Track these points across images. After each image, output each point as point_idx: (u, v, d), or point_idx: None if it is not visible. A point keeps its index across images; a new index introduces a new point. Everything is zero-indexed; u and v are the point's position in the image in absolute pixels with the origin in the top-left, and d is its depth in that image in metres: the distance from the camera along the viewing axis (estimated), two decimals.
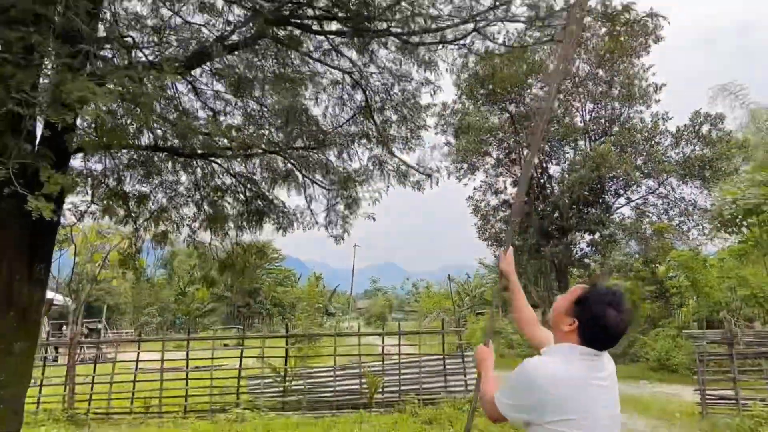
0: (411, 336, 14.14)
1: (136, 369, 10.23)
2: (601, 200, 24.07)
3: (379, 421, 8.15)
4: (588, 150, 22.68)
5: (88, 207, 5.39)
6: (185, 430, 7.97)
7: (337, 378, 9.95)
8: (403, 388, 9.88)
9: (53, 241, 4.35)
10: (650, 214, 24.38)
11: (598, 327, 1.91)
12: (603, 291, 1.97)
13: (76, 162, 6.81)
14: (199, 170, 6.16)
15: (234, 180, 6.17)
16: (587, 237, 24.76)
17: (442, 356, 10.29)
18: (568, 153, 24.42)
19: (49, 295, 24.50)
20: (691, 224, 23.57)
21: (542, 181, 25.56)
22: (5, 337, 3.58)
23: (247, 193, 6.11)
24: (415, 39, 5.16)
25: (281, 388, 10.14)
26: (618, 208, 24.86)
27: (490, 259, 34.95)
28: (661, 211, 24.22)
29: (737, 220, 16.41)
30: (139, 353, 10.42)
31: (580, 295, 1.99)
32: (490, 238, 26.10)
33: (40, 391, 9.67)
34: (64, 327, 26.89)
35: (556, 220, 24.50)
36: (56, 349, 16.42)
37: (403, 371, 10.08)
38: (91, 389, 9.93)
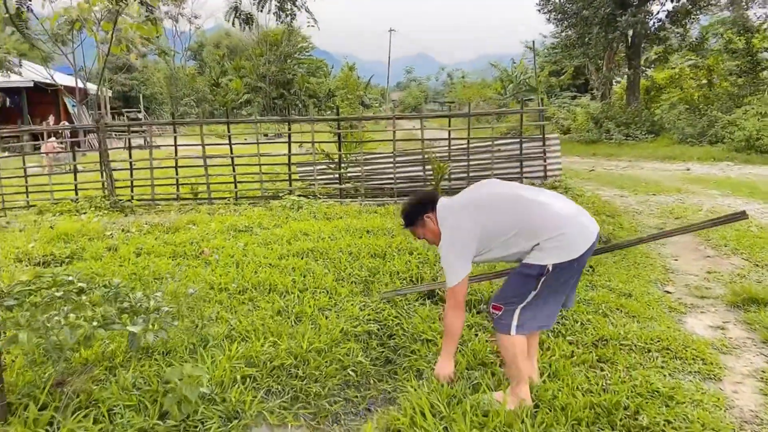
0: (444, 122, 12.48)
1: (176, 155, 9.29)
2: None
3: None
4: None
5: None
6: (240, 217, 7.21)
7: (398, 165, 8.79)
8: (472, 174, 8.71)
9: None
10: None
11: (417, 208, 2.74)
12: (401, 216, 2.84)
13: None
14: None
15: None
16: (669, 5, 20.72)
17: (519, 139, 8.83)
18: None
19: (80, 84, 23.38)
20: None
21: None
22: None
23: None
24: None
25: (336, 176, 9.16)
26: None
27: (544, 40, 30.85)
28: None
29: None
30: (176, 138, 9.37)
31: (407, 227, 2.83)
32: (554, 10, 22.26)
33: (75, 178, 9.02)
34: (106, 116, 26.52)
35: None
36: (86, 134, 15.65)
37: (472, 157, 8.80)
38: (131, 176, 9.19)
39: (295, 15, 6.47)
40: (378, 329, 3.59)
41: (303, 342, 3.26)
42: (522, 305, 2.45)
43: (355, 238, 5.75)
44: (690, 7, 19.64)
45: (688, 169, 12.59)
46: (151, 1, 4.44)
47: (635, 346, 3.33)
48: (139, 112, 30.02)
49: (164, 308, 2.96)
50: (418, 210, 2.72)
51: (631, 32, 20.33)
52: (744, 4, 19.16)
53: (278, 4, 6.11)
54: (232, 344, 3.25)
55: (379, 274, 4.56)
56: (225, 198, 8.99)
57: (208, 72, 48.80)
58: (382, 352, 3.36)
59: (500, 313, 2.50)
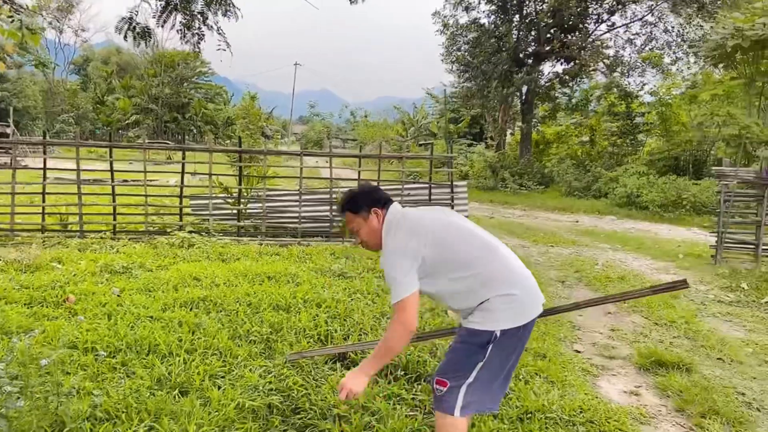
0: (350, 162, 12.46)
1: (44, 179, 8.00)
2: (582, 25, 21.77)
3: (359, 251, 6.82)
4: None
5: None
6: (117, 256, 6.24)
7: (303, 203, 8.30)
8: None
9: None
10: (635, 44, 22.55)
11: (369, 198, 2.33)
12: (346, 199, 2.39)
13: None
14: None
15: None
16: (559, 67, 22.91)
17: (428, 184, 8.81)
18: None
19: None
20: (671, 58, 22.17)
21: None
22: None
23: None
24: None
25: (234, 212, 8.43)
26: (600, 35, 22.72)
27: (445, 89, 32.51)
28: (644, 42, 22.31)
29: (737, 54, 14.89)
30: (45, 160, 8.10)
31: (346, 211, 2.36)
32: (457, 62, 23.49)
33: None
34: None
35: (531, 43, 22.20)
36: None
37: None
38: None
39: (203, 36, 5.85)
40: (281, 402, 3.06)
41: (188, 425, 2.64)
42: (469, 381, 2.17)
43: (254, 286, 5.15)
44: (578, 70, 21.77)
45: (577, 221, 13.49)
46: (31, 9, 3.70)
47: (560, 419, 3.14)
48: (8, 126, 26.57)
49: (6, 387, 2.26)
50: (370, 199, 2.31)
51: (525, 89, 21.99)
52: (626, 71, 21.63)
53: (184, 21, 5.43)
54: (95, 428, 2.55)
55: (282, 331, 4.02)
56: (101, 231, 7.83)
57: (92, 88, 44.87)
58: (285, 431, 2.83)
59: (444, 389, 2.19)
